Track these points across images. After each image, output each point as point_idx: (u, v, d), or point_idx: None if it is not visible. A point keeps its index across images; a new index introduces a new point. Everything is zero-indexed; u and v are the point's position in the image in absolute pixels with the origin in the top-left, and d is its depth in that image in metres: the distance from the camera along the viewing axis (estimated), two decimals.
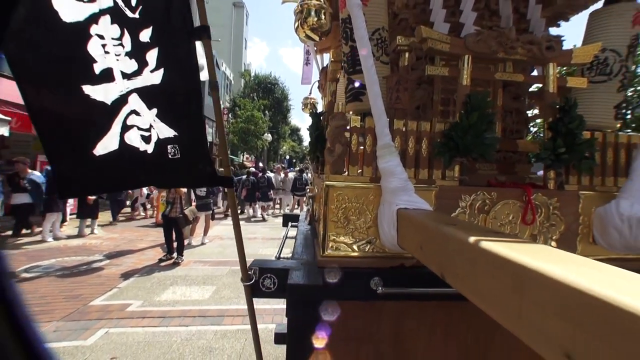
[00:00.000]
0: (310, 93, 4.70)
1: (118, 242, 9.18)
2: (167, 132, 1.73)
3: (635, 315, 0.38)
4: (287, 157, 42.95)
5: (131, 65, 1.67)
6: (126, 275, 6.57)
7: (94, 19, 1.58)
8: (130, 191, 12.25)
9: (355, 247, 1.56)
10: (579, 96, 1.77)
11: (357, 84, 1.75)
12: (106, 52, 1.62)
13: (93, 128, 1.66)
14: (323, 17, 1.72)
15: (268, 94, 34.91)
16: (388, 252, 1.55)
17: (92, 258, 7.57)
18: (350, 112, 1.82)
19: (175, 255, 7.52)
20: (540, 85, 1.87)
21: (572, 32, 2.38)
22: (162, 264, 7.35)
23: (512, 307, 0.59)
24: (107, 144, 1.67)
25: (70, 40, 1.56)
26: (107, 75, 1.64)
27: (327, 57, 3.78)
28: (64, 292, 5.66)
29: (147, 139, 1.74)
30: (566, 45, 1.74)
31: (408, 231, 1.28)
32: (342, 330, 1.52)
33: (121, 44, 1.65)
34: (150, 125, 1.73)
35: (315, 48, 3.17)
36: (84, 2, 1.55)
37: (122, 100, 1.69)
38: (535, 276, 0.54)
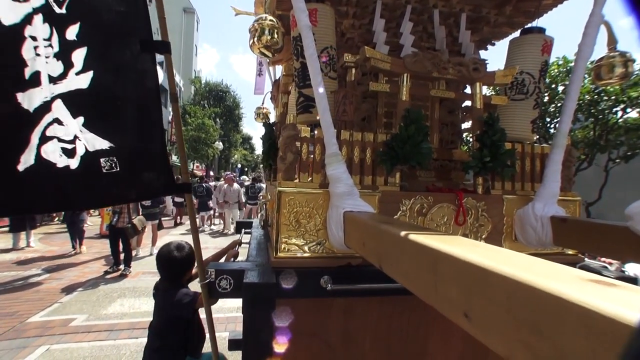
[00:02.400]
0: (263, 103, 4.78)
1: (58, 255, 8.66)
2: (98, 143, 1.55)
3: (505, 277, 0.53)
4: (239, 165, 42.37)
5: (57, 68, 1.51)
6: (68, 289, 6.19)
7: (28, 19, 1.45)
8: None
9: (306, 248, 1.67)
10: (502, 112, 2.01)
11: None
12: (37, 55, 1.47)
13: (17, 140, 1.47)
14: (276, 35, 1.83)
15: (219, 101, 34.38)
16: (336, 252, 1.67)
17: (28, 273, 7.05)
18: (301, 124, 1.94)
19: (122, 267, 7.22)
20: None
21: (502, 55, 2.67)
22: (108, 276, 7.04)
23: (430, 283, 0.73)
24: (26, 159, 1.47)
25: (7, 44, 1.43)
26: (34, 80, 1.48)
27: (279, 69, 3.90)
28: None
29: (70, 153, 1.54)
30: (495, 67, 1.99)
31: (353, 231, 1.41)
32: (295, 326, 1.62)
33: (50, 45, 1.50)
34: (75, 137, 1.54)
35: (268, 60, 3.28)
36: (19, 1, 1.43)
37: (45, 107, 1.51)
38: (444, 257, 0.68)
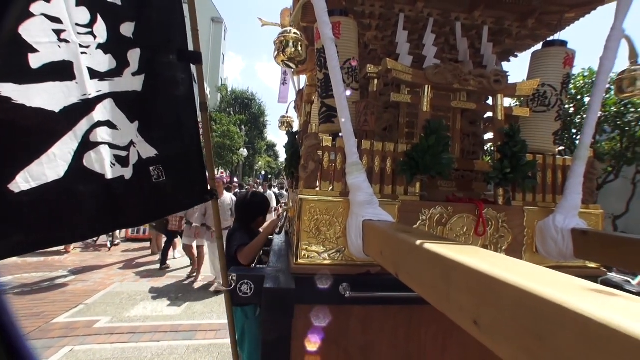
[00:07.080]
0: (287, 112, 4.88)
1: (84, 257, 8.79)
2: (148, 150, 1.47)
3: (512, 286, 0.55)
4: (263, 172, 42.82)
5: (106, 62, 1.37)
6: (93, 291, 6.36)
7: None
8: None
9: (325, 255, 1.70)
10: (523, 124, 2.01)
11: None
12: (62, 41, 1.26)
13: (12, 149, 1.20)
14: (300, 48, 1.89)
15: (245, 109, 35.06)
16: (355, 260, 1.69)
17: (55, 274, 7.27)
18: (323, 133, 1.99)
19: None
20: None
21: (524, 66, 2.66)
22: (132, 279, 7.26)
23: (443, 291, 0.76)
24: (36, 173, 1.21)
25: None
26: (59, 71, 1.26)
27: (303, 79, 3.98)
28: (23, 310, 5.39)
29: (124, 161, 1.40)
30: (517, 79, 2.00)
31: (372, 240, 1.43)
32: (313, 333, 1.65)
33: (91, 33, 1.32)
34: (131, 143, 1.43)
35: (292, 70, 3.36)
36: None
37: (85, 106, 1.31)
38: (456, 266, 0.71)
